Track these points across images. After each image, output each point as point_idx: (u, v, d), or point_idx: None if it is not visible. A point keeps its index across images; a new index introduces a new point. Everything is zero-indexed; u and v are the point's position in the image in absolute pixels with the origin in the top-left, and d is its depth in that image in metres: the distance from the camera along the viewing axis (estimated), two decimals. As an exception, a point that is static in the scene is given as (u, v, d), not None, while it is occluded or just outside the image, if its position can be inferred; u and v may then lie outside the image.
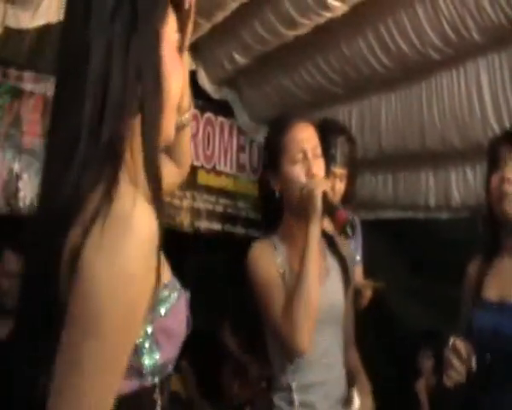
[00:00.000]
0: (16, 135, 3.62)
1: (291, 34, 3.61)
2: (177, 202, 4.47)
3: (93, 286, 0.81)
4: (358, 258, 2.39)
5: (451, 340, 1.75)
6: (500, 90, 3.08)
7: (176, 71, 1.00)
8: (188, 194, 4.55)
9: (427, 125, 3.44)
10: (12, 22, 3.19)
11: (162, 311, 0.97)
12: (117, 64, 0.89)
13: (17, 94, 3.66)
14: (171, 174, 1.40)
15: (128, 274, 0.83)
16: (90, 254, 0.82)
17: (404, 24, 3.20)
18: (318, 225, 1.74)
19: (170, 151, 1.37)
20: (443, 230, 4.02)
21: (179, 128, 1.26)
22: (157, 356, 0.95)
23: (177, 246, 4.67)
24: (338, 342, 1.86)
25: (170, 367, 1.02)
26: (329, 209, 1.75)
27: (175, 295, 1.01)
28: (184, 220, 4.52)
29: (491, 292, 1.87)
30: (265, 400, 1.92)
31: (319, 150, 1.86)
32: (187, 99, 1.31)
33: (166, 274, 1.04)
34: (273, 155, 1.90)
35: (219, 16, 3.72)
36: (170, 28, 0.99)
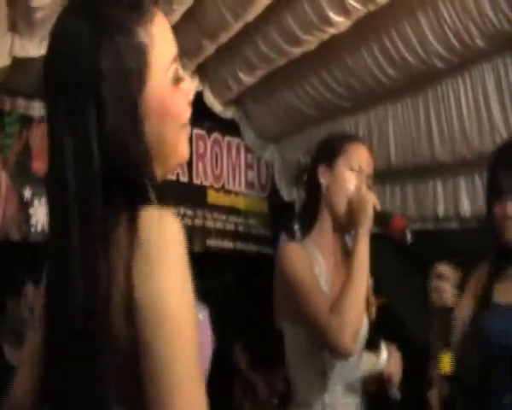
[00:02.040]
0: (26, 162, 3.67)
1: (296, 52, 3.63)
2: (187, 221, 4.49)
3: (167, 307, 0.87)
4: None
5: (435, 267, 1.84)
6: (507, 95, 3.07)
7: (176, 100, 1.01)
8: (198, 213, 4.56)
9: (435, 135, 3.43)
10: (19, 52, 3.23)
11: None
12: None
13: (26, 122, 3.71)
14: None
15: (186, 282, 0.90)
16: (144, 285, 0.87)
17: (407, 34, 3.21)
18: (368, 232, 1.74)
19: None
20: (452, 240, 3.99)
21: None
22: None
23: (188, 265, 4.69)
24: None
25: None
26: (383, 218, 1.76)
27: (199, 308, 1.02)
28: (195, 240, 4.52)
29: (501, 298, 1.88)
30: None
31: (370, 181, 1.87)
32: None
33: None
34: (332, 152, 1.90)
35: (224, 37, 3.75)
36: (160, 69, 0.99)
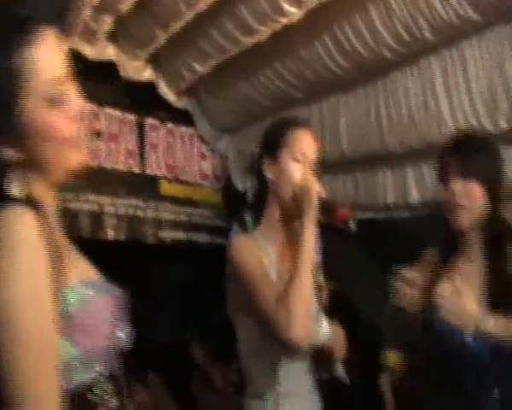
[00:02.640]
0: None
1: (249, 42, 3.64)
2: (140, 213, 4.45)
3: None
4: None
5: (398, 273, 1.87)
6: (453, 87, 3.16)
7: (53, 122, 1.05)
8: (151, 204, 4.53)
9: (385, 125, 3.50)
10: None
11: (71, 305, 1.03)
12: None
13: None
14: None
15: (33, 290, 0.96)
16: None
17: (358, 25, 3.26)
18: (314, 221, 1.75)
19: None
20: (403, 228, 4.08)
21: None
22: (73, 350, 1.02)
23: (141, 258, 4.65)
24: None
25: (97, 366, 1.07)
26: (327, 208, 1.77)
27: (90, 292, 1.07)
28: (148, 232, 4.49)
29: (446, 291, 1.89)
30: (234, 405, 1.90)
31: (315, 164, 1.88)
32: None
33: (84, 272, 1.12)
34: (276, 144, 1.89)
35: (176, 26, 3.74)
36: (36, 93, 1.02)
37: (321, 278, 1.97)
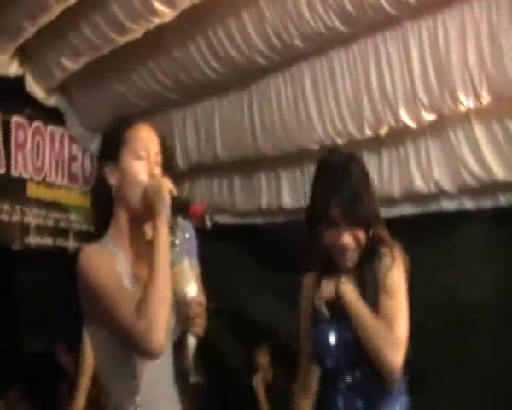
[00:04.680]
0: None
1: (121, 40, 3.54)
2: (4, 217, 4.19)
3: None
4: (188, 261, 2.33)
5: None
6: (322, 93, 3.27)
7: None
8: (17, 208, 4.28)
9: (258, 129, 3.56)
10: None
11: None
12: None
13: None
14: None
15: None
16: None
17: (231, 30, 3.29)
18: (166, 221, 1.69)
19: None
20: (279, 232, 4.14)
21: None
22: None
23: (5, 264, 4.38)
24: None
25: None
26: (181, 205, 1.71)
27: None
28: (13, 237, 4.25)
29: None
30: None
31: (160, 158, 1.81)
32: None
33: None
34: (114, 145, 1.78)
35: (44, 19, 3.56)
36: None
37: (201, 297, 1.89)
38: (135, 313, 1.56)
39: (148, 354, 1.59)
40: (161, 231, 1.67)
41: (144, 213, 1.70)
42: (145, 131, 1.80)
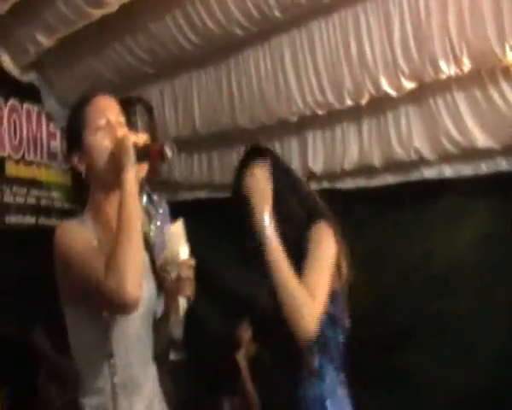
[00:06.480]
0: None
1: (96, 13, 3.46)
2: (-17, 197, 4.13)
3: None
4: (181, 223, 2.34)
5: None
6: (302, 65, 3.25)
7: None
8: (-5, 188, 4.22)
9: (237, 102, 3.53)
10: None
11: None
12: None
13: None
14: None
15: None
16: None
17: (209, 2, 3.23)
18: (133, 170, 1.66)
19: None
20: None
21: None
22: None
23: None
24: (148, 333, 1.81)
25: None
26: (143, 151, 1.70)
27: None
28: (-7, 216, 4.19)
29: None
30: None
31: (122, 119, 1.79)
32: None
33: None
34: (75, 130, 1.77)
35: (17, -5, 3.48)
36: None
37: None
38: (105, 269, 1.53)
39: (122, 307, 1.56)
40: (128, 178, 1.64)
41: (115, 176, 1.68)
42: (101, 101, 1.79)
